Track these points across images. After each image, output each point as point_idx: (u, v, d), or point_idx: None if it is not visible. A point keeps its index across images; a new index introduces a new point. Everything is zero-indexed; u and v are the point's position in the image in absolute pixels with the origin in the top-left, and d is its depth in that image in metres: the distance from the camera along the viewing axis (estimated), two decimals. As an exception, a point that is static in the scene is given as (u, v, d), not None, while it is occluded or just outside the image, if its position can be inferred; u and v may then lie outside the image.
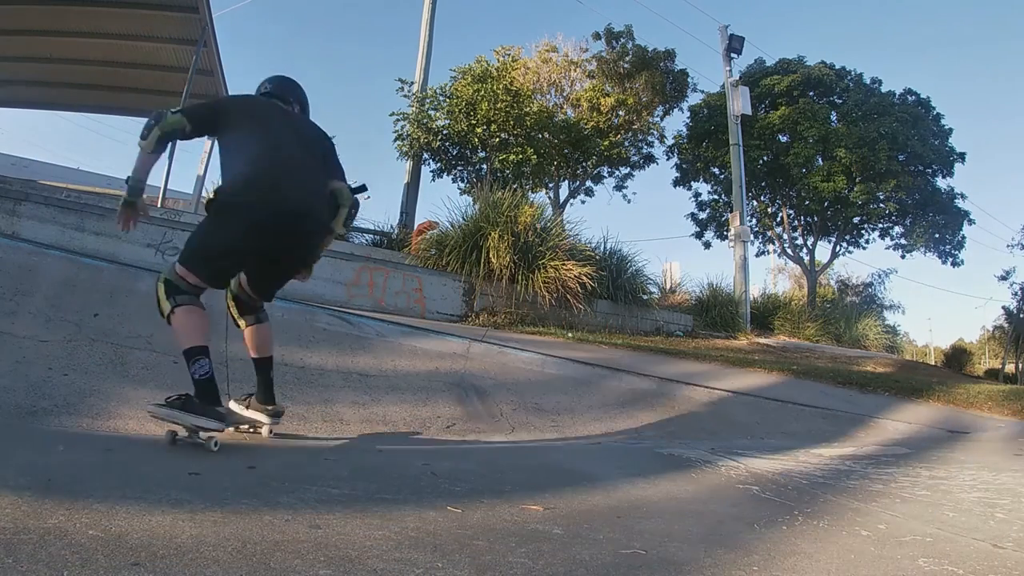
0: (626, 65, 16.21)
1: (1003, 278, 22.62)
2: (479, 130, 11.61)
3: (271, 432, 2.91)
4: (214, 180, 12.44)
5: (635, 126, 16.77)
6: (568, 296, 7.59)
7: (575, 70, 16.65)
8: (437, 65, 50.89)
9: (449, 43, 70.01)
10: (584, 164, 17.06)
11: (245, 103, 2.77)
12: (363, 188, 2.88)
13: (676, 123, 45.47)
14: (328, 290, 6.46)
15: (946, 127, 17.66)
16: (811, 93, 17.30)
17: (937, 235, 18.21)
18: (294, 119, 2.77)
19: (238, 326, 2.87)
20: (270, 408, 2.90)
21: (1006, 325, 23.51)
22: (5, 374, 3.10)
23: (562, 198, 17.66)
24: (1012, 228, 51.69)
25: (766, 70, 18.09)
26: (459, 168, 13.64)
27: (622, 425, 4.12)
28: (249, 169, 2.47)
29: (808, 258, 19.75)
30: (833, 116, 17.17)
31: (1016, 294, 22.29)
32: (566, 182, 17.78)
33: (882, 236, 19.51)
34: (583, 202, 19.04)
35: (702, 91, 17.85)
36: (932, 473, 2.95)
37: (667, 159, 19.36)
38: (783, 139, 17.21)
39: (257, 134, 2.55)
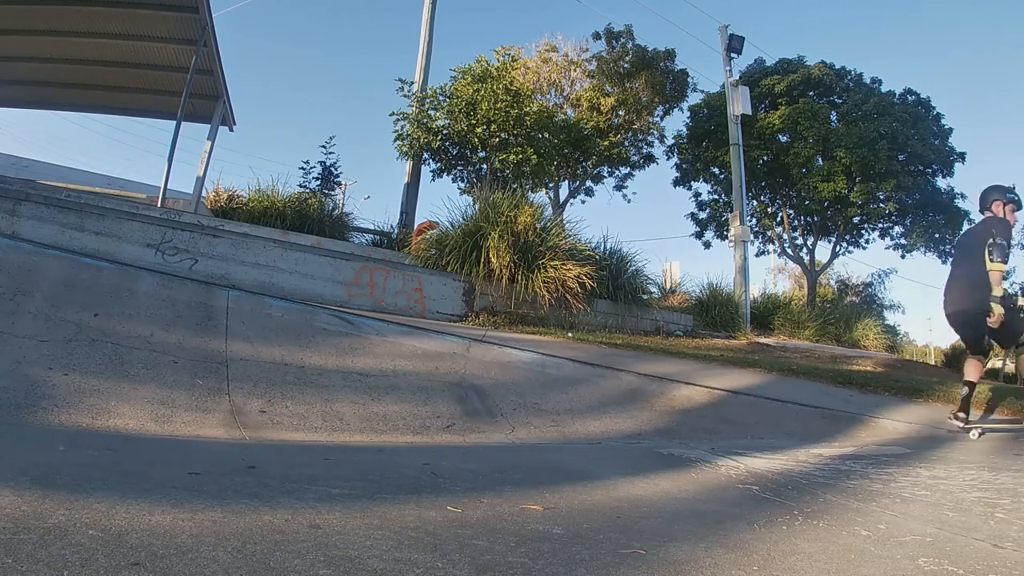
0: (626, 65, 16.21)
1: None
2: (479, 130, 11.60)
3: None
4: (213, 180, 12.46)
5: (635, 126, 16.77)
6: (568, 296, 7.58)
7: (575, 70, 16.66)
8: (437, 65, 50.93)
9: (449, 43, 70.09)
10: (584, 164, 17.06)
11: None
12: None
13: (676, 123, 45.54)
14: (328, 290, 6.46)
15: (946, 127, 17.66)
16: (811, 93, 17.30)
17: (937, 235, 18.20)
18: (966, 235, 4.30)
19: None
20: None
21: (1006, 325, 23.47)
22: (5, 374, 3.10)
23: (562, 198, 17.68)
24: (1012, 228, 51.54)
25: (766, 70, 18.09)
26: (459, 168, 13.64)
27: (622, 425, 4.12)
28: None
29: (808, 258, 19.75)
30: (833, 116, 17.16)
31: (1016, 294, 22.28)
32: (566, 182, 17.79)
33: (882, 236, 19.52)
34: (583, 202, 19.05)
35: (702, 91, 17.87)
36: (932, 473, 2.95)
37: (667, 159, 19.38)
38: (783, 139, 17.21)
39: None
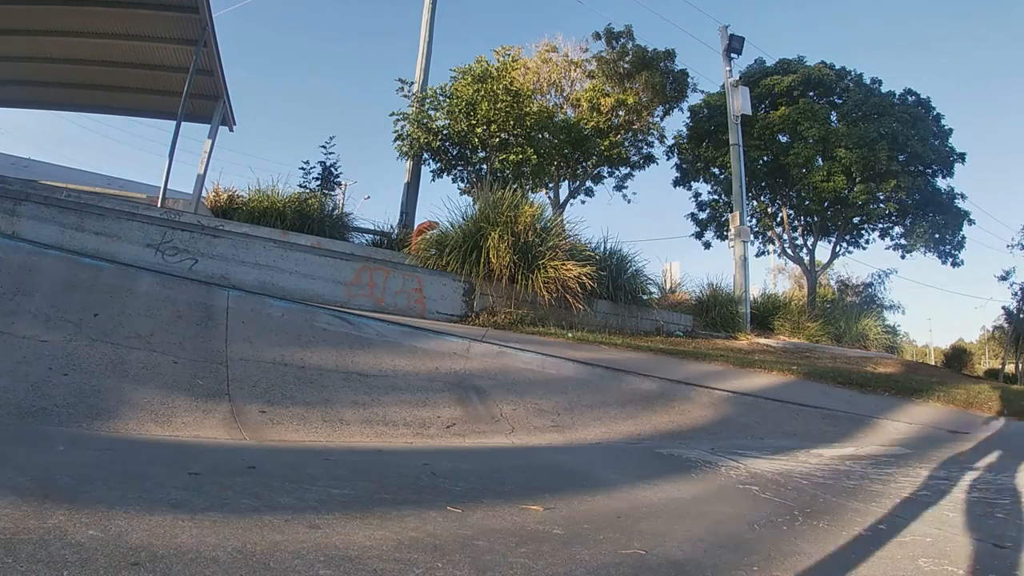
0: (626, 65, 16.20)
1: (1003, 278, 22.61)
2: (479, 130, 11.60)
3: None
4: (213, 180, 12.47)
5: (635, 126, 16.76)
6: (568, 296, 7.58)
7: (575, 70, 16.65)
8: (437, 65, 50.95)
9: (449, 43, 70.10)
10: (584, 164, 17.06)
11: None
12: None
13: (676, 123, 45.56)
14: (328, 290, 6.46)
15: (946, 127, 17.66)
16: (811, 93, 17.29)
17: (937, 235, 18.19)
18: None
19: None
20: None
21: (1006, 325, 23.51)
22: (5, 374, 3.10)
23: (562, 198, 17.66)
24: (1012, 228, 51.76)
25: (766, 70, 18.08)
26: (459, 168, 13.64)
27: (622, 425, 4.11)
28: None
29: (808, 258, 19.74)
30: (833, 116, 17.16)
31: (1016, 294, 22.29)
32: (566, 182, 17.77)
33: (882, 236, 19.52)
34: (583, 202, 19.03)
35: (702, 91, 17.84)
36: (932, 473, 2.95)
37: (667, 159, 19.37)
38: (783, 139, 17.20)
39: None
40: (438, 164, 13.44)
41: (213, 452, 2.58)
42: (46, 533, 1.31)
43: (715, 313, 10.91)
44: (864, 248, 20.05)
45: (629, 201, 18.82)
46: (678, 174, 19.86)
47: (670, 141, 18.68)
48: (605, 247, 8.97)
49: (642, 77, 16.01)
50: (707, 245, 20.23)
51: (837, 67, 17.95)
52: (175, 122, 11.34)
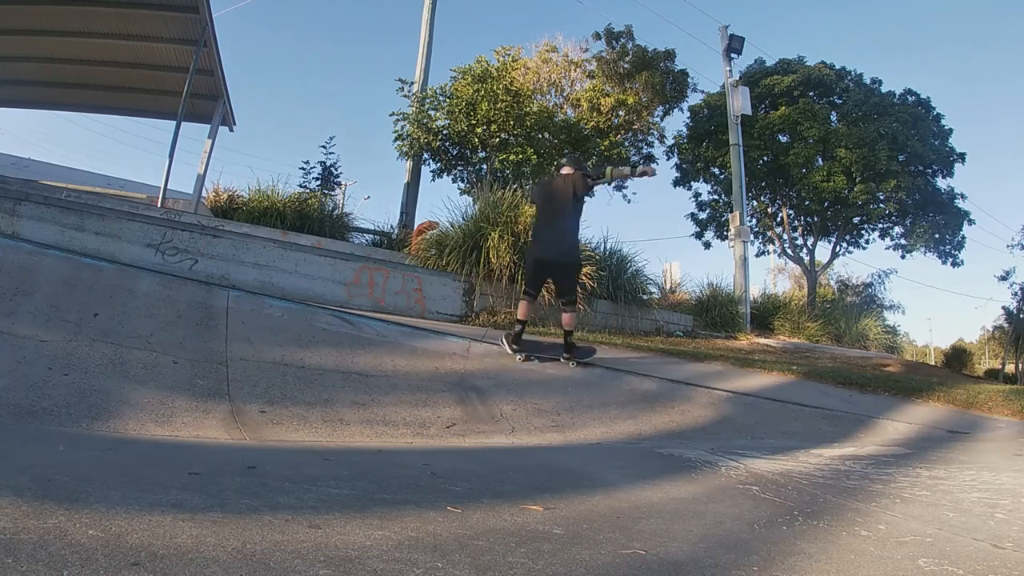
0: (626, 65, 16.21)
1: (1003, 278, 22.63)
2: (479, 130, 11.60)
3: (574, 364, 4.98)
4: (214, 180, 12.46)
5: (635, 126, 16.75)
6: (568, 296, 7.58)
7: (575, 70, 16.65)
8: (437, 65, 50.98)
9: (449, 43, 70.21)
10: (584, 165, 17.05)
11: (535, 189, 5.85)
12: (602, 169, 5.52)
13: (676, 123, 45.64)
14: (328, 290, 6.47)
15: (946, 127, 17.65)
16: (811, 93, 17.29)
17: (937, 235, 18.18)
18: (554, 187, 5.12)
19: (561, 309, 5.06)
20: (566, 355, 5.03)
21: (1006, 325, 23.53)
22: (5, 374, 3.10)
23: (562, 198, 17.65)
24: (1012, 228, 51.81)
25: (766, 70, 18.08)
26: (459, 168, 13.63)
27: (622, 425, 4.11)
28: (535, 234, 5.28)
29: (808, 258, 19.73)
30: (833, 116, 17.15)
31: (1016, 294, 22.31)
32: (566, 182, 17.76)
33: (882, 236, 19.51)
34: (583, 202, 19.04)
35: (702, 91, 17.83)
36: (932, 473, 2.95)
37: (667, 159, 19.37)
38: (783, 139, 17.19)
39: (538, 210, 5.32)
40: (438, 164, 13.44)
41: (213, 452, 2.59)
42: (46, 533, 1.31)
43: (715, 313, 10.91)
44: (864, 248, 20.05)
45: (629, 201, 18.80)
46: (678, 174, 19.85)
47: (670, 141, 18.68)
48: (605, 247, 8.97)
49: (642, 77, 16.00)
50: (707, 245, 20.23)
51: (837, 67, 17.94)
52: (175, 122, 11.34)
